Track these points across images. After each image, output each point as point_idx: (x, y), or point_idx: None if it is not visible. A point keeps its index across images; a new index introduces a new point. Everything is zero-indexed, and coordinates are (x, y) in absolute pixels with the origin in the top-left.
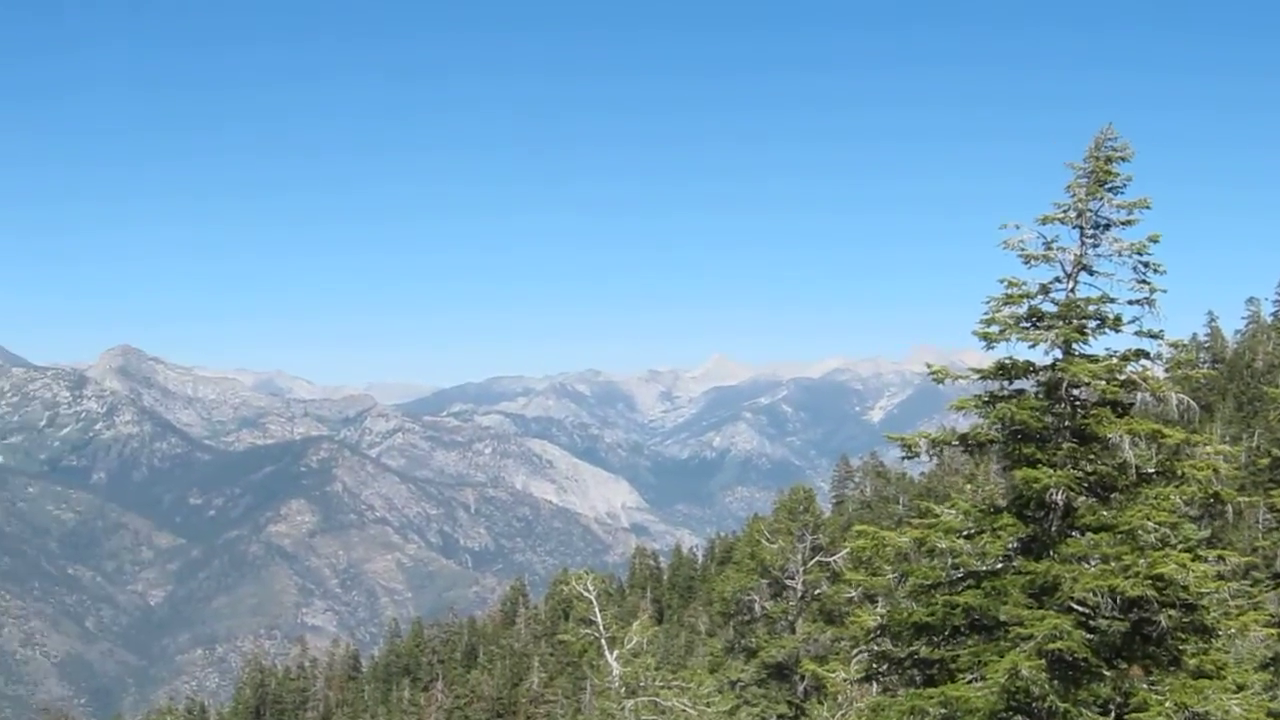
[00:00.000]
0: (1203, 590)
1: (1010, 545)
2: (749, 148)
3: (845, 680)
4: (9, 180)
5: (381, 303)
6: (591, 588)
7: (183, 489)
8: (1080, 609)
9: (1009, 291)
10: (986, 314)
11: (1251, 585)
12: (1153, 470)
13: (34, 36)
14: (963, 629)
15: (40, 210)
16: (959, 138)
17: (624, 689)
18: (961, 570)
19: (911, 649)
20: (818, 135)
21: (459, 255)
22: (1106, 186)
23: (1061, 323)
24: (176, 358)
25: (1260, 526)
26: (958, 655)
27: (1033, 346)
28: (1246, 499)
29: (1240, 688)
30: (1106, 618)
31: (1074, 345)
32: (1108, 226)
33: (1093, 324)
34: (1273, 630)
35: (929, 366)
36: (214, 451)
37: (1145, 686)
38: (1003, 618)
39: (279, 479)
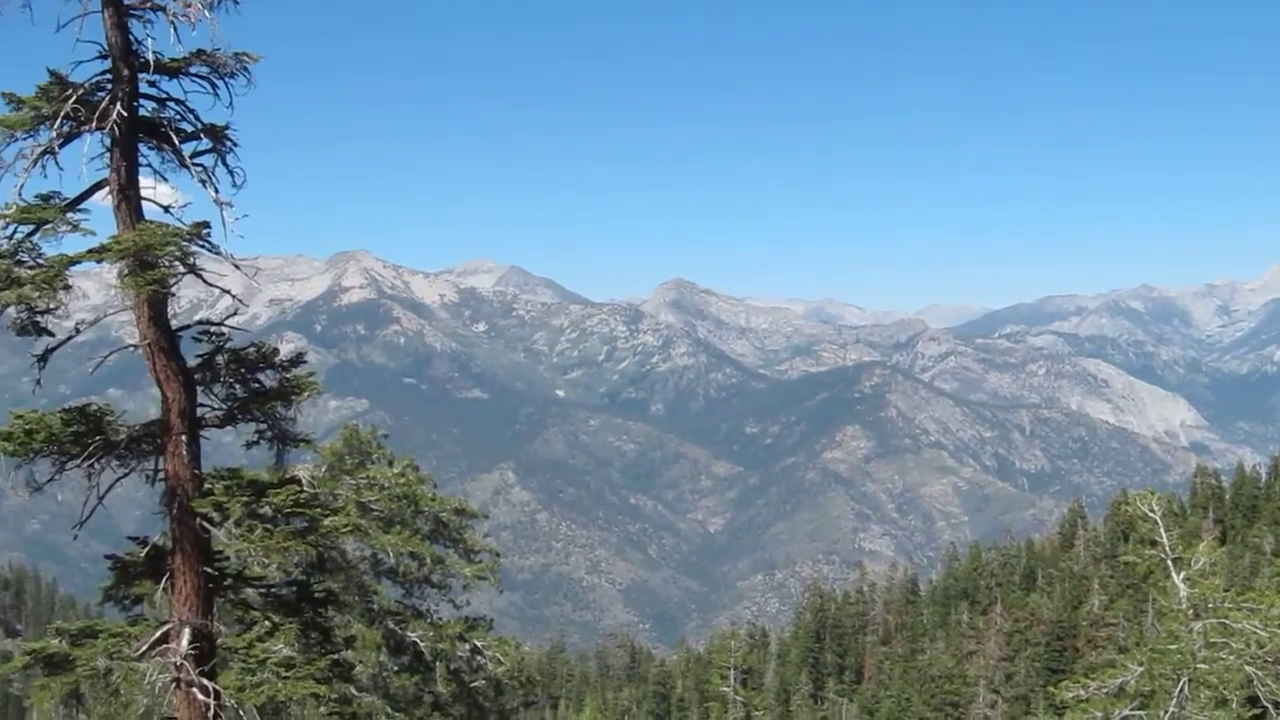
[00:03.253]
0: None
1: None
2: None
3: None
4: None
5: (933, 226)
6: (1156, 507)
7: (738, 418)
8: None
9: None
10: None
11: None
12: None
13: None
14: None
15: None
16: None
17: (1191, 611)
18: None
19: None
20: None
21: (1017, 178)
22: None
23: None
24: (727, 289)
25: None
26: None
27: None
28: None
29: None
30: None
31: None
32: None
33: None
34: None
35: None
36: (768, 380)
37: None
38: None
39: (833, 406)
